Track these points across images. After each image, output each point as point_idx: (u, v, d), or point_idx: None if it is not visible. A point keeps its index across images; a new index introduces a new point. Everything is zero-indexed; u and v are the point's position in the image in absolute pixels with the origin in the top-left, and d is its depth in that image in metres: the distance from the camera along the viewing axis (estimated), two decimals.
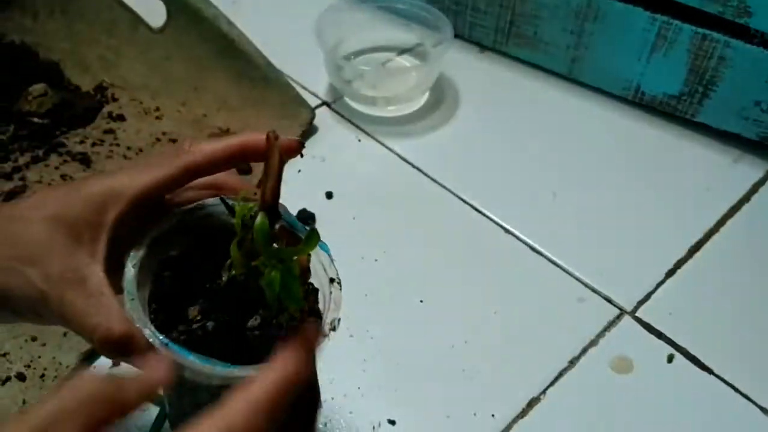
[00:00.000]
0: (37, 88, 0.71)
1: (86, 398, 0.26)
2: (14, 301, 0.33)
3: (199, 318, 0.36)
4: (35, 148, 0.69)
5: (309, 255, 0.36)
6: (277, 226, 0.31)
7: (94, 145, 0.70)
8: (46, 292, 0.32)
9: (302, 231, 0.39)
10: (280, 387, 0.29)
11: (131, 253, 0.35)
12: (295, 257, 0.33)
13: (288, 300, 0.32)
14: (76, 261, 0.33)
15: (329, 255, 0.39)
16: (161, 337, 0.32)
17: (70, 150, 0.69)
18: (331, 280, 0.39)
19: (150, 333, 0.33)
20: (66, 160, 0.68)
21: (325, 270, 0.39)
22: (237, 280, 0.35)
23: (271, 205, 0.29)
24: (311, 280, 0.41)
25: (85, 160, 0.68)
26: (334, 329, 0.37)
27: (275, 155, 0.29)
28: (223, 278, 0.35)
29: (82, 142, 0.70)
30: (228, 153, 0.37)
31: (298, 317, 0.37)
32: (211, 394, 0.32)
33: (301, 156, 0.38)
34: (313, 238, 0.32)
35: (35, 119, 0.70)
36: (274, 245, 0.31)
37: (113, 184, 0.35)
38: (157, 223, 0.37)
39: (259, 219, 0.30)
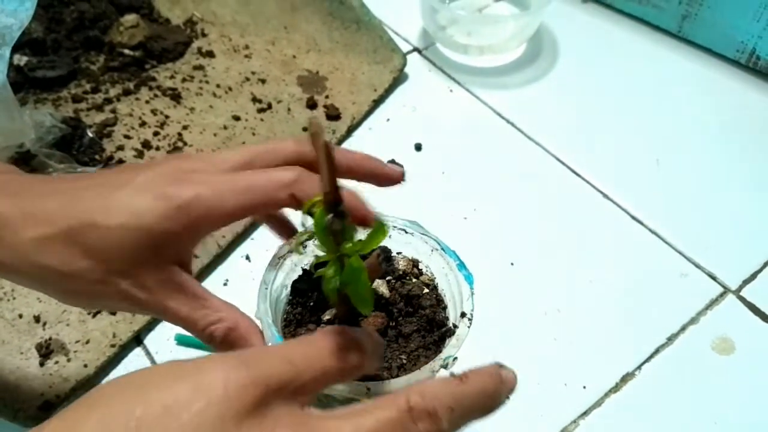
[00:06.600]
0: (129, 19, 0.70)
1: None
2: (114, 306, 0.35)
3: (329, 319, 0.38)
4: (126, 80, 0.68)
5: (382, 254, 0.33)
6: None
7: (184, 80, 0.69)
8: (143, 300, 0.33)
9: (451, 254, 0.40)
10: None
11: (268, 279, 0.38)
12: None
13: (355, 301, 0.30)
14: (167, 271, 0.33)
15: (471, 288, 0.38)
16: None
17: (160, 84, 0.68)
18: (462, 315, 0.37)
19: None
20: (156, 94, 0.67)
21: (461, 298, 0.38)
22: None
23: (331, 196, 0.27)
24: (447, 301, 0.40)
25: (175, 96, 0.67)
26: (445, 367, 0.35)
27: (320, 145, 0.26)
28: None
29: (172, 77, 0.69)
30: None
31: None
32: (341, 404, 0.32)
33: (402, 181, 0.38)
34: (379, 233, 0.30)
35: (126, 51, 0.69)
36: (347, 238, 0.29)
37: (203, 200, 0.32)
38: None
39: (317, 213, 0.28)
